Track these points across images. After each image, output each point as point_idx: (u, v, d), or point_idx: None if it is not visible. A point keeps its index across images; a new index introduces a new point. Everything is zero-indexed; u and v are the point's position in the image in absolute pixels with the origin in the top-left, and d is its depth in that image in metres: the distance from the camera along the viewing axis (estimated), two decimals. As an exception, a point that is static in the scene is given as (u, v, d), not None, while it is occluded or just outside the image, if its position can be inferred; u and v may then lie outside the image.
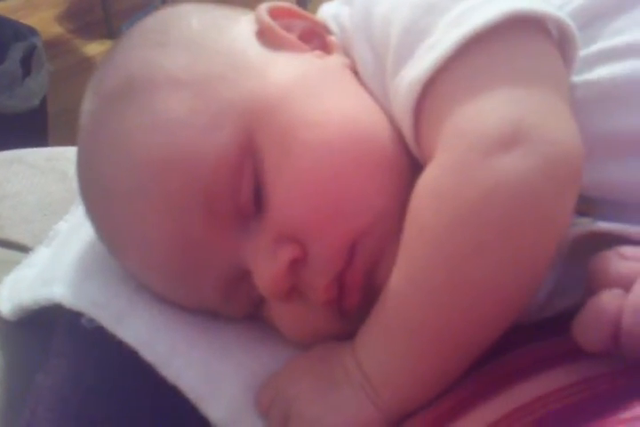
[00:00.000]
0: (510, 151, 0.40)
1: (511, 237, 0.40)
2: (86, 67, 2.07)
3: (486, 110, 0.41)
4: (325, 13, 0.54)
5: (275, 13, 0.52)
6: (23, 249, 0.66)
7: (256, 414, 0.48)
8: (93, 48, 2.19)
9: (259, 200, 0.46)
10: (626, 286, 0.39)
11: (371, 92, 0.48)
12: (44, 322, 0.56)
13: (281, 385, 0.48)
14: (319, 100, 0.47)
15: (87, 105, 0.51)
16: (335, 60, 0.50)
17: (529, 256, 0.41)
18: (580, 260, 0.42)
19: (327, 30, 0.53)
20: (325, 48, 0.52)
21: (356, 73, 0.50)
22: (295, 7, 0.54)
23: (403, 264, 0.43)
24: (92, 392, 0.51)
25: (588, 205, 0.45)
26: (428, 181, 0.42)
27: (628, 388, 0.38)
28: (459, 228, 0.40)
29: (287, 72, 0.48)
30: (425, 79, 0.42)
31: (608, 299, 0.38)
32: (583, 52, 0.45)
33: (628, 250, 0.40)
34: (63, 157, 0.76)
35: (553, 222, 0.41)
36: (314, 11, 0.57)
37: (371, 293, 0.46)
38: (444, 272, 0.41)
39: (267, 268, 0.45)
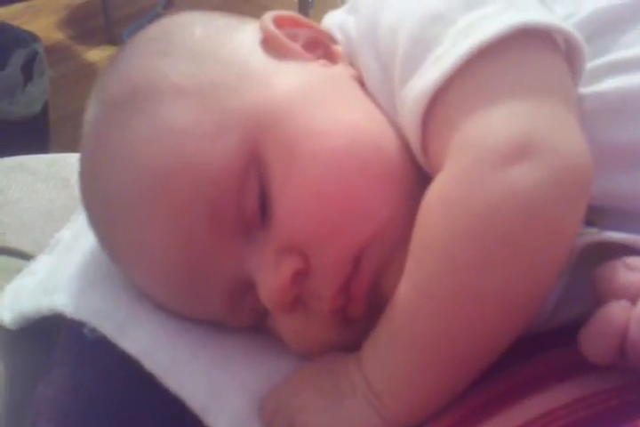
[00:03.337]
0: (519, 163, 0.40)
1: (520, 249, 0.40)
2: (88, 73, 2.07)
3: (495, 122, 0.41)
4: (330, 22, 0.54)
5: (279, 22, 0.52)
6: (24, 256, 0.66)
7: (260, 425, 0.48)
8: (95, 54, 2.19)
9: (264, 210, 0.46)
10: (632, 297, 0.38)
11: (376, 102, 0.48)
12: (46, 331, 0.55)
13: (285, 396, 0.48)
14: (324, 109, 0.47)
15: (90, 114, 0.51)
16: (340, 70, 0.50)
17: (538, 268, 0.41)
18: (587, 269, 0.42)
19: (332, 39, 0.53)
20: (330, 57, 0.51)
21: (361, 83, 0.50)
22: (300, 16, 0.54)
23: (411, 276, 0.43)
24: (94, 403, 0.51)
25: (595, 215, 0.44)
26: (436, 192, 0.42)
27: (637, 403, 0.38)
28: (468, 240, 0.40)
29: (291, 81, 0.48)
30: (433, 90, 0.42)
31: (615, 311, 0.38)
32: (590, 63, 0.45)
33: (633, 260, 0.40)
34: (65, 164, 0.76)
35: (562, 235, 0.41)
36: (315, 19, 0.57)
37: (376, 302, 0.45)
38: (454, 284, 0.41)
39: (270, 280, 0.45)
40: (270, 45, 0.50)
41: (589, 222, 0.44)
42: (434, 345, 0.42)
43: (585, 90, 0.45)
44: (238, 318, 0.49)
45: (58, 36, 2.27)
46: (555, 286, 0.43)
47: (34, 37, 1.70)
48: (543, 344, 0.44)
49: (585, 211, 0.41)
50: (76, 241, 0.59)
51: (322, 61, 0.51)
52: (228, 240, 0.46)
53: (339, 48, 0.52)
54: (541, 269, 0.41)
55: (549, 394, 0.41)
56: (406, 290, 0.43)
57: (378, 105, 0.48)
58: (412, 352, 0.43)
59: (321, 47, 0.52)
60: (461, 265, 0.40)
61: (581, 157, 0.41)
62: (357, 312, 0.46)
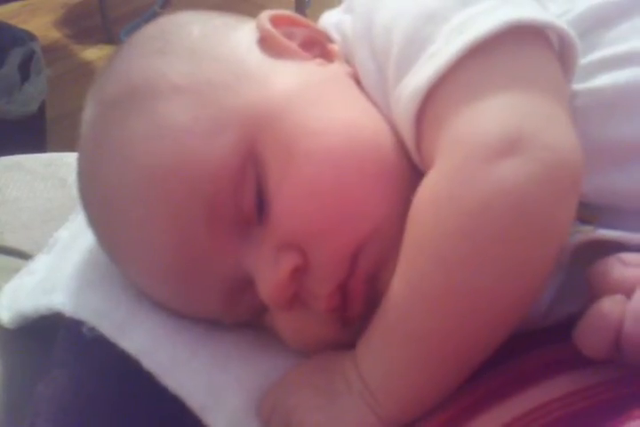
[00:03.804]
0: (509, 158, 0.40)
1: (512, 246, 0.40)
2: (85, 72, 2.06)
3: (485, 118, 0.41)
4: (327, 22, 0.54)
5: (276, 21, 0.52)
6: (22, 256, 0.66)
7: (258, 424, 0.48)
8: (92, 53, 2.19)
9: (261, 208, 0.46)
10: (627, 292, 0.39)
11: (372, 101, 0.48)
12: (45, 330, 0.56)
13: (282, 395, 0.48)
14: (320, 108, 0.47)
15: (88, 113, 0.51)
16: (337, 69, 0.50)
17: (530, 264, 0.41)
18: (582, 267, 0.42)
19: (328, 38, 0.53)
20: (327, 56, 0.52)
21: (357, 81, 0.50)
22: (296, 15, 0.54)
23: (404, 274, 0.43)
24: (92, 402, 0.51)
25: (589, 213, 0.45)
26: (427, 189, 0.42)
27: (631, 397, 0.38)
28: (459, 238, 0.40)
29: (289, 80, 0.48)
30: (426, 88, 0.42)
31: (609, 305, 0.39)
32: (583, 60, 0.45)
33: (628, 256, 0.41)
34: (62, 163, 0.76)
35: (553, 230, 0.41)
36: (312, 19, 0.57)
37: (373, 300, 0.45)
38: (446, 282, 0.41)
39: (269, 276, 0.45)
40: (267, 44, 0.50)
41: (585, 220, 0.44)
42: (426, 342, 0.42)
43: (578, 86, 0.45)
44: (236, 315, 0.49)
45: (55, 35, 2.27)
46: (549, 283, 0.43)
47: (31, 36, 1.69)
48: (538, 341, 0.45)
49: (576, 206, 0.41)
50: (74, 240, 0.59)
51: (318, 60, 0.51)
52: (225, 238, 0.46)
53: (335, 47, 0.52)
54: (533, 265, 0.41)
55: (544, 387, 0.41)
56: (399, 288, 0.43)
57: (374, 103, 0.48)
58: (405, 349, 0.43)
59: (318, 46, 0.52)
60: (453, 263, 0.40)
61: (572, 153, 0.41)
62: (355, 311, 0.47)
